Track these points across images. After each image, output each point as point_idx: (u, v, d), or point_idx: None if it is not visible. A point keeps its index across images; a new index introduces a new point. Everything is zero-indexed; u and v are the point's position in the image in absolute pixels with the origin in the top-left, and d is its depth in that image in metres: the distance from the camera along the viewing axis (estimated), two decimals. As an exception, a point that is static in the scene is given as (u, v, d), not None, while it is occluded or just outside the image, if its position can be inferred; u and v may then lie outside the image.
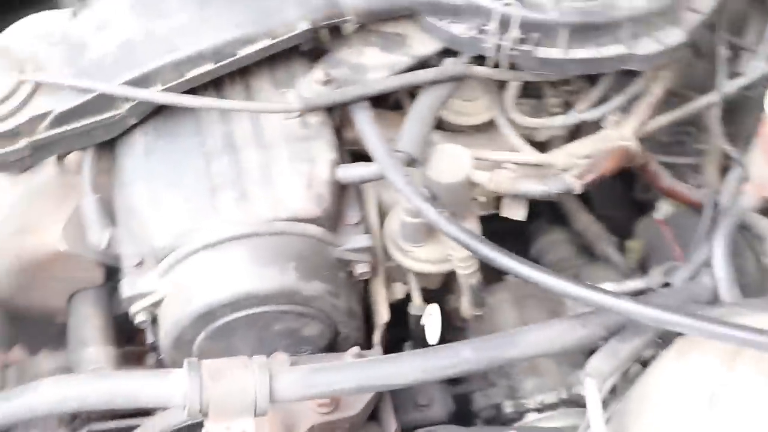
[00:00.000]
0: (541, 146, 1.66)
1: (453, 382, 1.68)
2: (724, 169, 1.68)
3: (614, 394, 1.20)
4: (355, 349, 1.33)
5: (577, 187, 1.36)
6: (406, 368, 1.13)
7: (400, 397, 1.54)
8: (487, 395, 1.67)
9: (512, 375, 1.68)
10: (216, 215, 1.31)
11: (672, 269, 1.72)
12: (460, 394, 1.65)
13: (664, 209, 1.81)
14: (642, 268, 1.92)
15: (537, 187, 1.36)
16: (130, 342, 1.53)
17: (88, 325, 1.50)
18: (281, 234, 1.30)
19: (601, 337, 1.20)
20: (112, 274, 1.46)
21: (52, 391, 1.08)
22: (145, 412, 1.38)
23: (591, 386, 1.10)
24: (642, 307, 1.10)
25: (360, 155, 1.40)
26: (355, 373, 1.12)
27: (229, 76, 1.39)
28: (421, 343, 1.47)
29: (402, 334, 1.54)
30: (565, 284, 1.14)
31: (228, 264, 1.29)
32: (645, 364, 1.21)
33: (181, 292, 1.30)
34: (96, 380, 1.08)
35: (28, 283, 1.49)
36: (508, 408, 1.57)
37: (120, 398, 1.07)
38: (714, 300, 1.33)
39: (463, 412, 1.62)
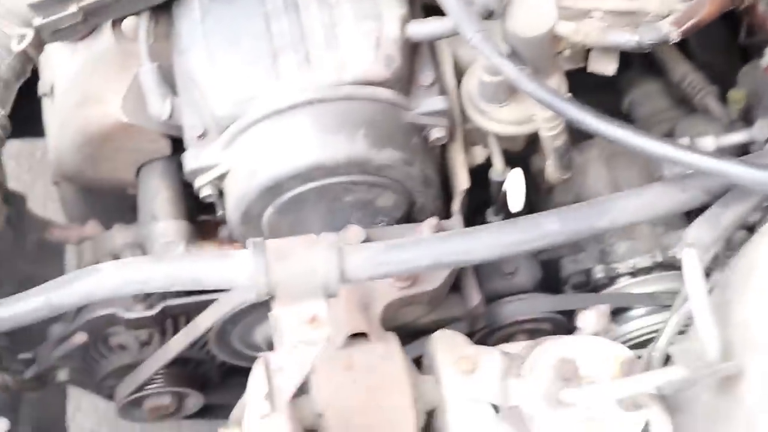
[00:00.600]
0: None
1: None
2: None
3: (716, 263, 1.09)
4: (433, 220, 1.25)
5: (675, 35, 1.22)
6: (485, 242, 1.05)
7: (483, 266, 1.47)
8: (576, 260, 1.58)
9: (603, 238, 1.59)
10: (278, 81, 1.22)
11: (782, 121, 1.58)
12: (548, 260, 1.58)
13: (768, 58, 1.65)
14: (746, 119, 1.78)
15: (629, 38, 1.23)
16: (204, 212, 1.47)
17: (158, 198, 1.45)
18: (348, 99, 1.21)
19: (702, 202, 1.09)
20: (180, 143, 1.40)
21: (115, 275, 1.03)
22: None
23: (691, 257, 0.99)
24: (747, 169, 0.98)
25: (433, 8, 1.28)
26: (431, 249, 1.04)
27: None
28: (504, 210, 1.39)
29: (484, 198, 1.45)
30: (662, 146, 1.03)
31: (292, 133, 1.21)
32: (751, 229, 1.10)
33: (245, 164, 1.23)
34: (158, 264, 1.03)
35: (94, 155, 1.44)
36: (599, 273, 1.49)
37: (183, 281, 1.02)
38: None
39: (550, 279, 1.55)
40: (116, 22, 1.33)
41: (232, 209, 1.25)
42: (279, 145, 1.21)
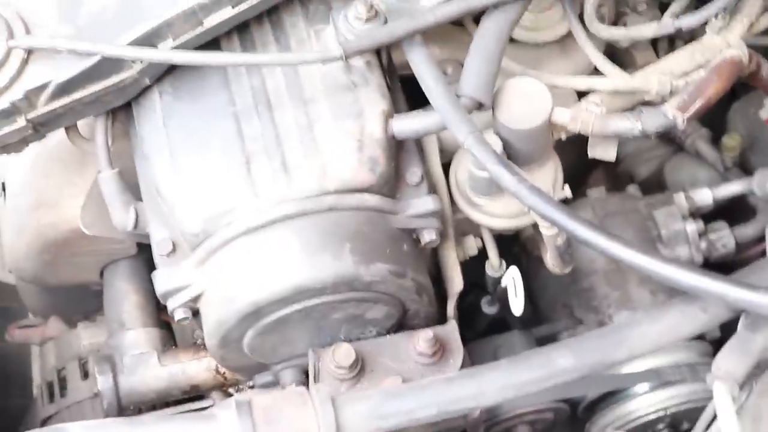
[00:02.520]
0: (622, 57, 1.43)
1: (537, 322, 1.52)
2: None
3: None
4: (428, 333, 1.15)
5: (681, 122, 1.12)
6: (494, 385, 0.96)
7: (480, 352, 1.38)
8: (575, 335, 1.49)
9: (601, 309, 1.51)
10: (253, 192, 1.11)
11: (782, 176, 1.51)
12: (545, 336, 1.49)
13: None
14: (740, 165, 1.70)
15: (632, 126, 1.13)
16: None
17: (126, 303, 1.35)
18: (332, 210, 1.10)
19: (725, 319, 1.00)
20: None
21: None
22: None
23: (721, 392, 0.91)
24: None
25: (411, 79, 1.18)
26: (435, 396, 0.95)
27: (255, 17, 1.16)
28: (499, 300, 1.29)
29: (476, 281, 1.36)
30: (667, 267, 0.93)
31: (273, 252, 1.10)
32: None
33: (221, 287, 1.12)
34: (131, 427, 0.92)
35: (53, 260, 1.34)
36: (600, 350, 1.39)
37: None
38: None
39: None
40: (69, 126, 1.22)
41: (209, 334, 1.14)
42: (258, 267, 1.10)
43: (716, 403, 0.91)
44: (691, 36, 1.28)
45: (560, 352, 0.96)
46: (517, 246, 1.50)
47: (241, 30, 1.17)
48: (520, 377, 0.95)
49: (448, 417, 0.95)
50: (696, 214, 1.61)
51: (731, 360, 0.93)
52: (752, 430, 0.94)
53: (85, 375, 1.37)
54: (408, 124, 1.14)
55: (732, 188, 1.64)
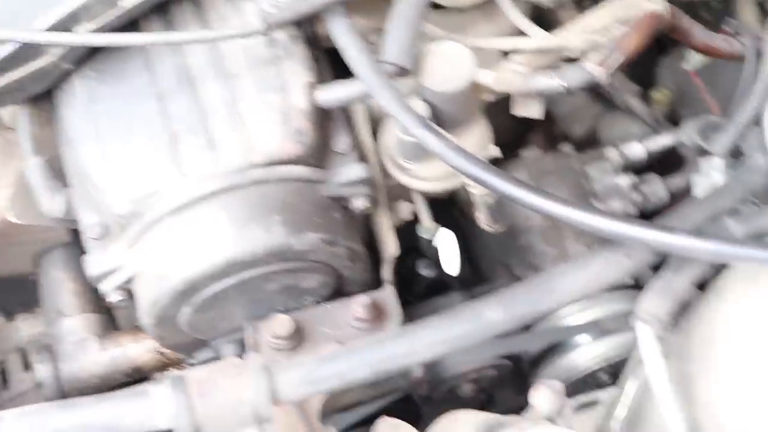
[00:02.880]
0: (548, 17, 1.45)
1: (477, 282, 1.53)
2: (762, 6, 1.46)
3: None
4: (365, 299, 1.17)
5: (603, 76, 1.14)
6: (425, 342, 0.97)
7: (419, 315, 1.39)
8: (514, 291, 1.51)
9: (539, 266, 1.53)
10: (180, 170, 1.11)
11: (708, 126, 1.53)
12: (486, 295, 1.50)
13: (694, 59, 1.59)
14: (670, 119, 1.73)
15: (554, 82, 1.14)
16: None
17: (62, 291, 1.34)
18: (260, 183, 1.11)
19: (651, 264, 1.02)
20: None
21: (15, 428, 0.92)
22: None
23: (646, 334, 0.93)
24: (695, 241, 0.91)
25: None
26: (368, 358, 0.96)
27: (173, -5, 1.16)
28: (436, 263, 1.30)
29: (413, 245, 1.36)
30: (595, 218, 0.95)
31: (202, 228, 1.10)
32: (702, 286, 1.03)
33: (153, 266, 1.12)
34: (66, 410, 0.92)
35: (-17, 252, 1.31)
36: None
37: (96, 429, 0.91)
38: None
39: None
40: (-9, 114, 1.20)
41: (144, 314, 1.14)
42: (189, 243, 1.10)
43: (640, 344, 0.93)
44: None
45: (489, 306, 0.98)
46: (455, 209, 1.51)
47: (160, 10, 1.16)
48: (450, 332, 0.97)
49: (383, 376, 0.96)
50: (629, 168, 1.64)
51: (653, 301, 0.95)
52: (678, 369, 0.97)
53: (26, 366, 1.36)
54: (332, 93, 1.15)
55: (662, 140, 1.66)
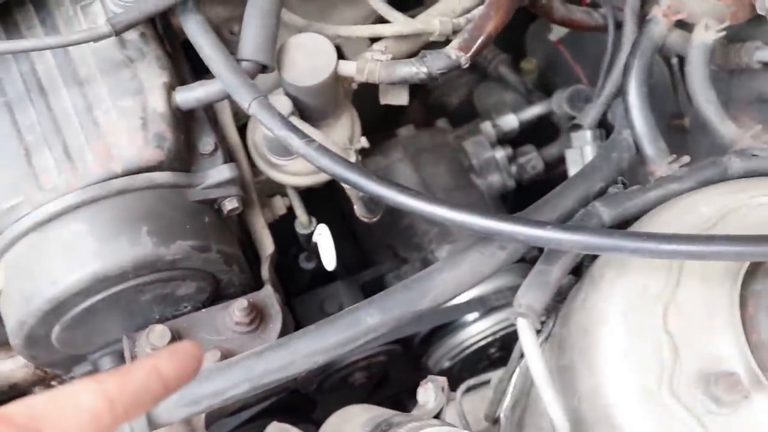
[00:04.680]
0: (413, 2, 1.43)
1: (360, 266, 1.53)
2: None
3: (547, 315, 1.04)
4: (243, 302, 1.14)
5: (464, 61, 1.13)
6: (304, 352, 0.95)
7: (306, 307, 1.38)
8: (400, 276, 1.52)
9: (423, 246, 1.53)
10: (36, 184, 1.06)
11: (577, 95, 1.55)
12: (370, 281, 1.50)
13: (558, 29, 1.60)
14: (543, 89, 1.74)
15: (417, 70, 1.13)
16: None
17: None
18: (122, 193, 1.06)
19: (525, 251, 1.02)
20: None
21: None
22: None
23: (524, 328, 0.93)
24: (564, 234, 0.92)
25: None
26: (246, 373, 0.93)
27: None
28: (317, 255, 1.29)
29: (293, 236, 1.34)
30: (463, 216, 0.94)
31: (65, 244, 1.05)
32: (577, 272, 1.04)
33: (17, 285, 1.07)
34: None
35: None
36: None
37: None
38: (636, 159, 1.16)
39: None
40: None
41: (12, 335, 1.09)
42: (52, 261, 1.05)
43: (520, 338, 0.93)
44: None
45: (367, 311, 0.96)
46: (335, 192, 1.49)
47: (2, 14, 1.10)
48: (329, 341, 0.95)
49: (261, 390, 0.94)
50: (504, 139, 1.65)
51: (530, 295, 0.95)
52: (557, 357, 0.97)
53: None
54: (191, 94, 1.11)
55: (534, 110, 1.68)
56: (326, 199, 1.40)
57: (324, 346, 0.95)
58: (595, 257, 1.02)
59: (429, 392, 1.03)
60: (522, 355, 1.04)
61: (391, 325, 0.97)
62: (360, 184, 0.97)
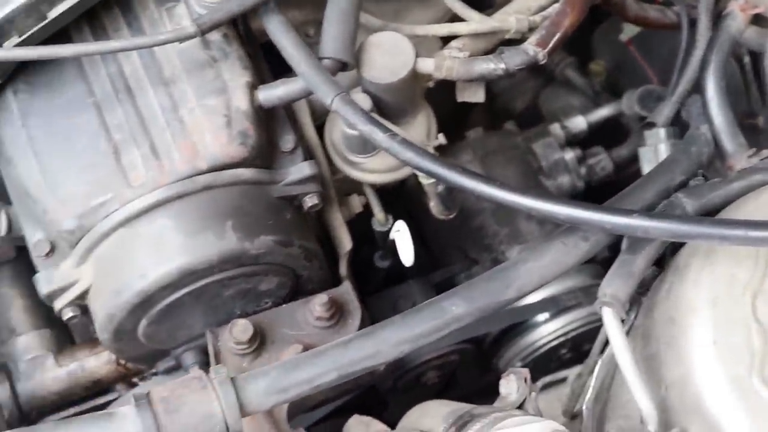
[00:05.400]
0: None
1: (433, 267, 1.54)
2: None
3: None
4: (323, 297, 1.16)
5: (542, 56, 1.14)
6: (390, 341, 0.96)
7: (379, 306, 1.39)
8: (471, 276, 1.52)
9: (493, 246, 1.54)
10: (125, 182, 1.08)
11: (648, 95, 1.55)
12: (442, 281, 1.51)
13: (628, 29, 1.60)
14: (610, 89, 1.74)
15: (496, 66, 1.14)
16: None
17: (12, 309, 1.31)
18: (208, 189, 1.09)
19: (607, 244, 1.03)
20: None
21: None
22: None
23: (609, 317, 0.93)
24: (651, 221, 0.92)
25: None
26: (334, 362, 0.95)
27: (102, 2, 1.12)
28: (392, 253, 1.30)
29: (367, 235, 1.36)
30: (549, 204, 0.95)
31: (153, 240, 1.08)
32: (659, 263, 1.04)
33: (106, 280, 1.10)
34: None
35: None
36: (498, 284, 1.41)
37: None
38: (714, 154, 1.16)
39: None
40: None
41: (101, 329, 1.12)
42: (141, 255, 1.08)
43: (606, 328, 0.94)
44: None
45: (452, 300, 0.97)
46: (404, 194, 1.51)
47: (90, 17, 1.13)
48: (414, 330, 0.96)
49: (349, 379, 0.95)
50: (573, 141, 1.65)
51: (615, 284, 0.95)
52: (642, 348, 0.97)
53: (-18, 388, 1.32)
54: (274, 93, 1.13)
55: (603, 112, 1.68)
56: (394, 200, 1.41)
57: (410, 335, 0.96)
58: (677, 249, 1.02)
59: (511, 384, 1.03)
60: (603, 349, 1.05)
61: (476, 315, 0.98)
62: (445, 176, 0.98)
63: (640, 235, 0.94)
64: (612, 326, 0.93)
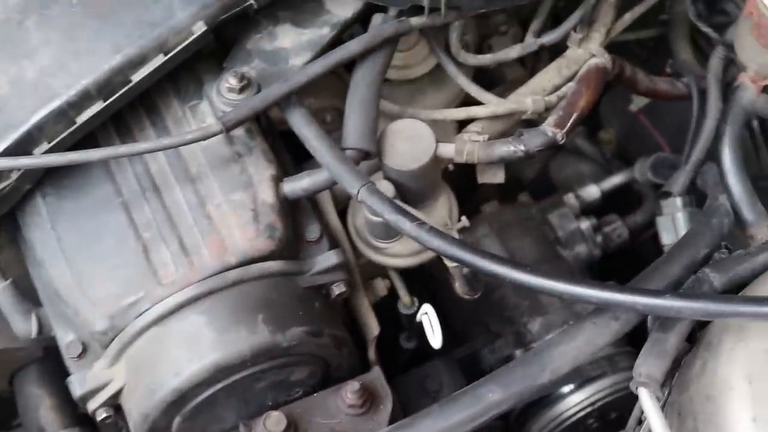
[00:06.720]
0: (493, 73, 1.47)
1: (455, 343, 1.54)
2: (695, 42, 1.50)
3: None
4: (355, 384, 1.16)
5: (560, 137, 1.16)
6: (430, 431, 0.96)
7: (407, 386, 1.39)
8: (494, 350, 1.53)
9: (515, 319, 1.54)
10: (155, 280, 1.09)
11: (660, 162, 1.56)
12: (465, 357, 1.51)
13: (638, 100, 1.63)
14: (621, 158, 1.76)
15: (515, 149, 1.16)
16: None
17: (41, 408, 1.31)
18: (238, 284, 1.10)
19: (637, 322, 1.04)
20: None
21: None
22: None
23: (646, 398, 0.94)
24: (683, 302, 0.93)
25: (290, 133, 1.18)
26: (374, 454, 0.94)
27: (127, 104, 1.14)
28: (418, 335, 1.30)
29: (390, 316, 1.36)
30: (581, 289, 0.96)
31: (185, 337, 1.09)
32: (691, 339, 1.05)
33: (140, 379, 1.10)
34: None
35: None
36: (521, 357, 1.42)
37: None
38: (734, 223, 1.17)
39: (472, 373, 1.48)
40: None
41: (135, 428, 1.12)
42: (174, 353, 1.08)
43: (644, 408, 0.94)
44: (555, 48, 1.32)
45: (488, 387, 0.98)
46: (423, 270, 1.51)
47: (115, 119, 1.16)
48: (453, 419, 0.97)
49: (390, 471, 0.96)
50: (587, 210, 1.66)
51: (650, 364, 0.96)
52: (678, 425, 0.98)
53: (16, 490, 1.32)
54: (299, 185, 1.15)
55: (616, 180, 1.70)
56: (414, 279, 1.42)
57: (449, 424, 0.97)
58: (707, 323, 1.02)
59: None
60: (639, 423, 1.05)
61: (513, 400, 0.98)
62: (475, 263, 1.00)
63: (673, 315, 0.95)
64: (649, 406, 0.94)
